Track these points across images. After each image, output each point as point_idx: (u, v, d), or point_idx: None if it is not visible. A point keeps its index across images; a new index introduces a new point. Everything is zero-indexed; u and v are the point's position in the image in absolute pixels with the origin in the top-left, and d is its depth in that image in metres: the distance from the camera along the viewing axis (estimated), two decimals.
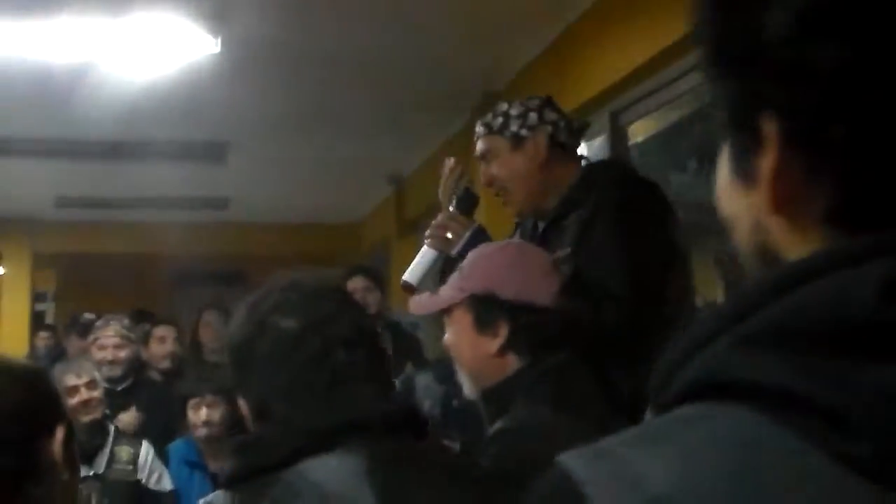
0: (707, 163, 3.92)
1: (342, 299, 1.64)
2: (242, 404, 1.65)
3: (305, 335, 1.55)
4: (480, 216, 2.86)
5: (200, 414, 4.38)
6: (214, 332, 5.97)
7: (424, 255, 2.74)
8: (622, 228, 2.42)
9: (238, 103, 5.86)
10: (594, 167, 2.72)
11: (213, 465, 4.40)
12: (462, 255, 2.56)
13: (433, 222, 2.78)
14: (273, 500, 1.45)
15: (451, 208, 2.79)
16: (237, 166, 7.76)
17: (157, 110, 5.91)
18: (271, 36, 4.73)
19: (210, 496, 1.52)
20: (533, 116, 2.67)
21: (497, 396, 1.95)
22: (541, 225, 2.71)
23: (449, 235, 2.70)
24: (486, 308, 1.97)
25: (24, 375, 1.49)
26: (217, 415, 4.37)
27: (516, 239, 2.10)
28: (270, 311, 1.59)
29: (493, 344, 1.95)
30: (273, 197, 9.36)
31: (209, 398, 4.38)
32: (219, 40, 4.57)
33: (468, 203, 2.79)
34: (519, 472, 1.67)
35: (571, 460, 0.62)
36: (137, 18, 4.28)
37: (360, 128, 6.79)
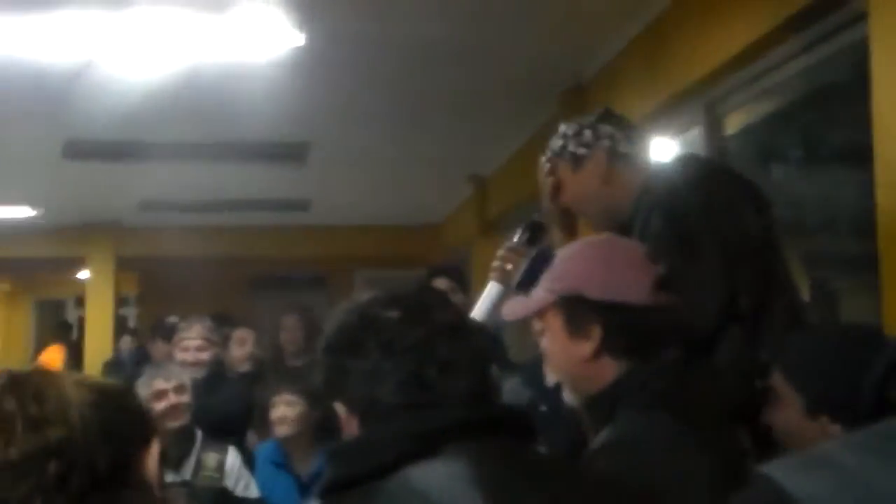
0: (811, 153, 3.74)
1: (440, 295, 1.63)
2: (340, 409, 1.55)
3: (410, 323, 1.49)
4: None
5: (278, 411, 4.50)
6: (295, 336, 6.01)
7: (489, 291, 2.79)
8: (673, 223, 2.38)
9: (319, 101, 5.78)
10: (652, 174, 2.66)
11: (298, 468, 4.52)
12: (522, 285, 2.63)
13: (497, 256, 2.82)
14: None
15: (513, 241, 2.84)
16: (317, 167, 7.71)
17: (240, 110, 5.85)
18: (355, 29, 4.63)
19: None
20: (588, 134, 2.67)
21: (601, 404, 1.84)
22: None
23: (509, 267, 2.73)
24: (575, 309, 1.86)
25: (113, 394, 1.46)
26: (293, 412, 4.49)
27: (600, 236, 1.97)
28: (371, 304, 1.54)
29: (587, 347, 1.84)
30: (353, 198, 9.33)
31: (286, 396, 4.51)
32: (304, 34, 4.47)
33: (533, 232, 2.83)
34: (634, 482, 1.60)
35: (782, 472, 0.55)
36: (224, 13, 4.19)
37: (441, 126, 6.72)
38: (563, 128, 2.73)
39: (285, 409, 4.50)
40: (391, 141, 7.04)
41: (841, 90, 3.47)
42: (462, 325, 1.52)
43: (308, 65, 5.03)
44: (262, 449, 4.68)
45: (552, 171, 2.72)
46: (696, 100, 4.17)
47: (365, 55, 5.05)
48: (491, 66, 5.40)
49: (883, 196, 2.66)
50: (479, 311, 2.75)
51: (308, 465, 4.50)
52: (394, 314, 1.49)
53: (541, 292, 1.93)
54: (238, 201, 9.31)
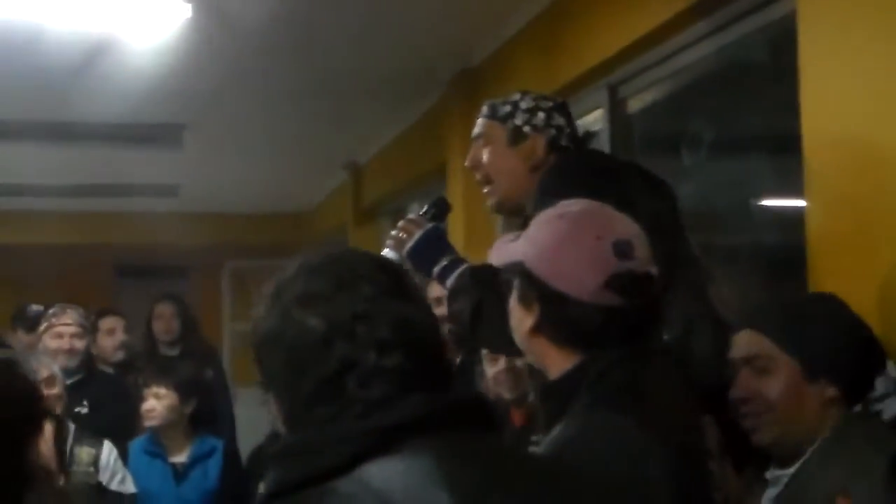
0: (722, 137, 3.73)
1: (386, 285, 1.39)
2: (273, 404, 1.42)
3: (331, 337, 1.33)
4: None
5: (147, 404, 4.53)
6: (170, 326, 5.87)
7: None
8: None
9: (198, 81, 5.57)
10: (553, 167, 2.58)
11: (174, 457, 4.57)
12: (412, 255, 2.59)
13: (398, 224, 2.74)
14: None
15: (415, 214, 2.76)
16: (191, 151, 7.46)
17: (110, 88, 5.58)
18: (238, 6, 4.45)
19: None
20: (541, 116, 2.62)
21: (555, 395, 1.77)
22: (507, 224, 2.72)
23: (402, 235, 2.65)
24: (525, 279, 1.78)
25: None
26: (161, 405, 4.51)
27: (585, 205, 1.85)
28: (295, 302, 1.37)
29: (529, 320, 1.78)
30: (224, 185, 9.13)
31: (155, 389, 4.53)
32: (190, 5, 4.27)
33: (438, 209, 2.76)
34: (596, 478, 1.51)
35: None
36: None
37: (319, 111, 6.57)
38: (517, 97, 2.64)
39: (154, 402, 4.51)
40: (268, 125, 6.89)
41: (756, 72, 3.46)
42: (401, 331, 1.36)
43: (188, 43, 4.83)
44: (136, 441, 4.63)
45: (486, 134, 2.65)
46: (599, 83, 4.11)
47: (247, 35, 4.87)
48: (375, 50, 5.29)
49: (812, 181, 2.63)
50: None
51: (184, 454, 4.57)
52: (317, 324, 1.34)
53: (518, 246, 1.84)
54: (103, 186, 8.98)
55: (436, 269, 2.56)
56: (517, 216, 2.64)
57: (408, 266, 2.66)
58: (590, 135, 2.79)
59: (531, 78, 4.42)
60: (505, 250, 1.88)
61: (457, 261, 2.55)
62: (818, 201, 2.63)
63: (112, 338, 5.56)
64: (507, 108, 2.62)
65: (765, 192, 3.81)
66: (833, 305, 2.12)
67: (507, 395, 3.26)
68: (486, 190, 2.70)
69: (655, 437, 1.62)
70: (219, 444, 4.68)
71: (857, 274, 2.42)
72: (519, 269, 1.79)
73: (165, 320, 5.91)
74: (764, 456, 2.10)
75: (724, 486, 2.09)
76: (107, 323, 5.61)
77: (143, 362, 5.59)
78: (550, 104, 2.65)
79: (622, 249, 1.73)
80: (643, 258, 1.75)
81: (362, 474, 1.25)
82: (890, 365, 2.08)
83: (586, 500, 1.38)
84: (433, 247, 2.61)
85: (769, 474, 2.06)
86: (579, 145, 2.71)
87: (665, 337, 2.14)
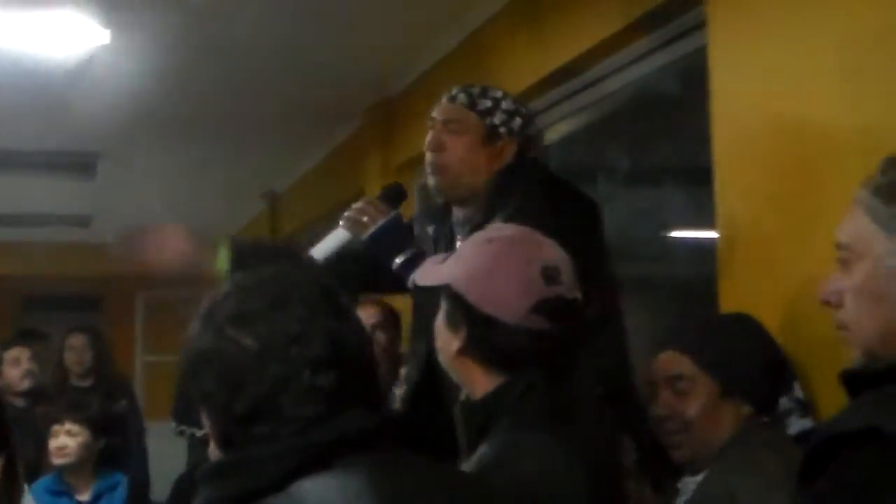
0: (637, 166, 3.79)
1: (319, 305, 1.39)
2: (206, 423, 1.41)
3: (265, 356, 1.33)
4: None
5: (58, 441, 4.33)
6: (82, 357, 5.76)
7: (335, 235, 2.68)
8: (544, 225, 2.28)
9: (113, 110, 5.48)
10: (516, 169, 2.58)
11: (80, 495, 4.41)
12: (372, 240, 2.57)
13: (354, 205, 2.70)
14: None
15: (373, 197, 2.75)
16: (104, 181, 7.35)
17: (19, 114, 5.48)
18: (154, 37, 4.43)
19: None
20: (517, 122, 2.60)
21: (476, 415, 1.79)
22: (457, 222, 2.62)
23: (364, 219, 2.61)
24: (453, 302, 1.81)
25: None
26: (74, 443, 4.34)
27: (515, 231, 1.87)
28: (229, 321, 1.37)
29: (455, 343, 1.81)
30: (139, 215, 8.94)
31: (68, 426, 4.35)
32: (109, 31, 4.22)
33: (394, 194, 2.74)
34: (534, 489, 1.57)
35: None
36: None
37: (236, 141, 6.55)
38: (498, 94, 2.62)
39: (66, 439, 4.33)
40: (184, 154, 6.83)
41: (669, 104, 3.52)
42: (336, 350, 1.35)
43: (103, 69, 4.76)
44: (40, 482, 4.44)
45: (461, 122, 2.59)
46: None
47: (163, 64, 4.84)
48: (293, 80, 5.28)
49: (723, 210, 2.69)
50: (319, 251, 2.65)
51: (89, 490, 4.43)
52: (250, 344, 1.34)
53: (447, 268, 1.86)
54: (10, 215, 8.79)
55: (397, 261, 2.54)
56: (459, 205, 2.62)
57: (361, 247, 2.65)
58: (542, 150, 2.79)
59: None
60: (433, 272, 1.90)
61: (419, 254, 2.52)
62: (728, 231, 2.69)
63: (18, 368, 5.43)
64: (488, 104, 2.58)
65: (679, 223, 3.88)
66: (749, 325, 2.21)
67: None
68: (434, 173, 2.63)
69: (574, 456, 1.66)
70: (122, 478, 4.59)
71: (764, 301, 2.47)
72: (447, 292, 1.82)
73: (77, 352, 5.78)
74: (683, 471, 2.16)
75: (640, 502, 2.13)
76: (12, 353, 5.49)
77: (54, 394, 5.47)
78: (526, 112, 2.65)
79: (550, 275, 1.77)
80: (569, 283, 1.79)
81: (296, 491, 1.25)
82: (796, 385, 2.17)
83: None
84: (396, 236, 2.59)
85: (680, 483, 2.13)
86: (539, 154, 2.69)
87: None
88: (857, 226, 1.43)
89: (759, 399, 2.10)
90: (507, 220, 2.33)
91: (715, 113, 2.72)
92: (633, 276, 3.85)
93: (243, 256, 2.85)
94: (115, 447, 4.97)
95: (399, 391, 3.27)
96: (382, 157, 5.55)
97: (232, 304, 1.38)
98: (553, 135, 4.04)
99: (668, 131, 3.69)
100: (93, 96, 5.19)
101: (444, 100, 2.66)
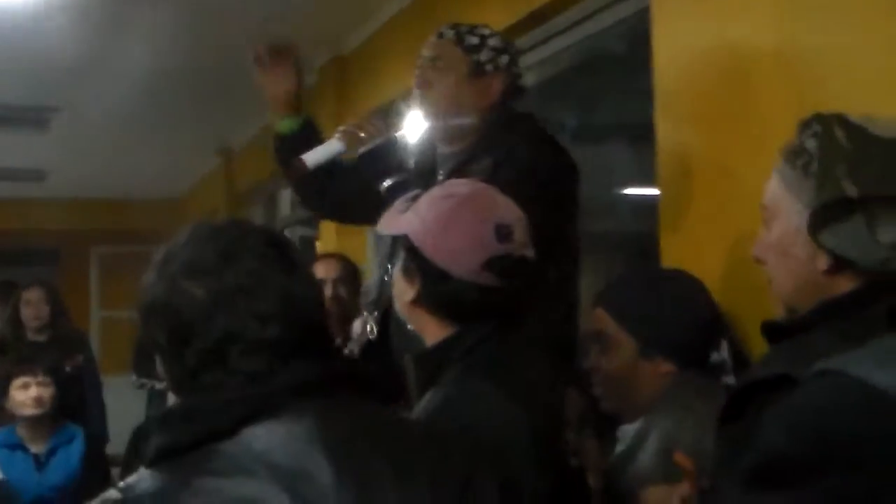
0: (585, 125, 3.86)
1: (270, 258, 1.42)
2: (161, 370, 1.46)
3: (214, 308, 1.37)
4: None
5: (31, 392, 4.40)
6: (39, 311, 5.74)
7: (329, 145, 2.64)
8: (527, 178, 2.32)
9: (68, 62, 5.46)
10: (512, 117, 2.60)
11: (35, 448, 4.49)
12: (365, 158, 2.59)
13: (352, 120, 2.69)
14: (212, 474, 1.28)
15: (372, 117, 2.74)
16: (59, 135, 7.30)
17: None
18: None
19: (132, 477, 1.31)
20: (505, 59, 2.58)
21: (427, 363, 1.87)
22: (441, 158, 2.60)
23: (362, 134, 2.60)
24: (410, 253, 1.87)
25: None
26: (48, 394, 4.43)
27: (472, 188, 1.92)
28: (181, 271, 1.40)
29: (410, 292, 1.87)
30: (93, 170, 8.92)
31: (41, 377, 4.43)
32: None
33: (394, 117, 2.71)
34: (477, 433, 1.62)
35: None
36: None
37: (191, 96, 6.51)
38: (486, 31, 2.60)
39: (41, 390, 4.42)
40: (138, 109, 6.73)
41: (616, 61, 3.58)
42: (284, 305, 1.39)
43: (53, 21, 4.74)
44: None
45: (446, 58, 2.57)
46: None
47: (118, 17, 4.82)
48: (247, 36, 5.25)
49: (664, 166, 2.77)
50: (310, 158, 2.61)
51: (45, 443, 4.50)
52: (200, 294, 1.37)
53: (406, 219, 1.90)
54: None
55: (386, 183, 2.57)
56: (450, 150, 2.59)
57: (354, 161, 2.66)
58: (522, 89, 2.75)
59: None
60: (395, 221, 1.95)
61: (408, 181, 2.54)
62: (669, 187, 2.77)
63: None
64: (475, 40, 2.56)
65: (626, 180, 3.95)
66: (677, 283, 2.23)
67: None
68: (422, 108, 2.60)
69: (518, 405, 1.73)
70: (79, 431, 4.65)
71: (705, 254, 2.56)
72: (405, 242, 1.88)
73: (34, 306, 5.77)
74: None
75: (582, 452, 2.20)
76: None
77: (10, 348, 5.49)
78: (515, 49, 2.64)
79: (503, 233, 1.82)
80: (521, 242, 1.85)
81: (245, 437, 1.30)
82: (724, 344, 2.19)
83: (455, 460, 1.44)
84: (390, 157, 2.63)
85: (619, 432, 2.18)
86: (518, 97, 2.68)
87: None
88: (772, 187, 1.53)
89: (682, 357, 2.11)
90: (494, 165, 2.37)
91: (656, 68, 2.79)
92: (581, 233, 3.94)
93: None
94: (72, 401, 5.03)
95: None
96: (337, 114, 5.57)
97: (185, 254, 1.41)
98: None
99: (615, 89, 3.75)
100: (46, 49, 5.17)
101: (432, 37, 2.64)
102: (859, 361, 1.20)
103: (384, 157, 2.63)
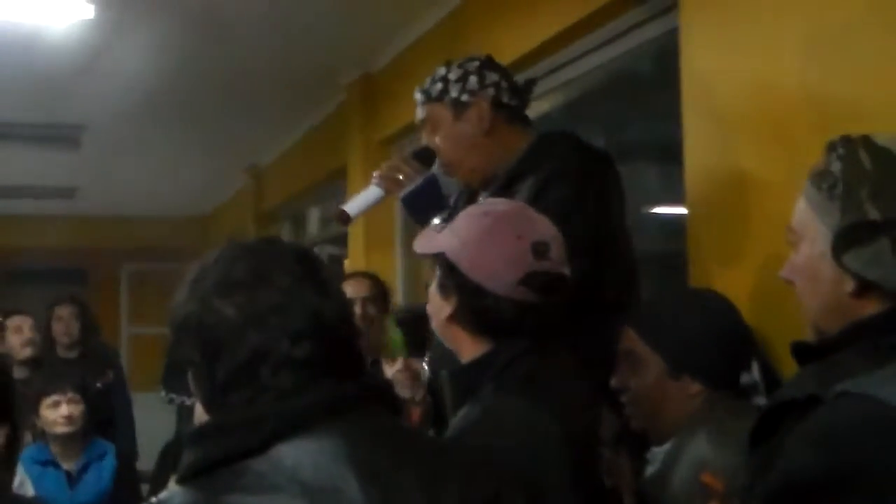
0: (612, 144, 3.86)
1: (301, 277, 1.44)
2: (192, 387, 1.47)
3: (246, 326, 1.39)
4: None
5: (61, 410, 4.36)
6: (70, 328, 5.77)
7: (369, 193, 2.67)
8: (581, 193, 2.36)
9: (100, 81, 5.52)
10: (547, 136, 2.61)
11: (67, 464, 4.44)
12: (409, 200, 2.62)
13: (386, 163, 2.71)
14: (243, 491, 1.29)
15: (406, 155, 2.74)
16: (89, 153, 7.37)
17: (4, 87, 5.54)
18: (141, 7, 4.45)
19: (163, 494, 1.33)
20: (473, 80, 2.58)
21: (463, 379, 1.90)
22: (483, 195, 2.58)
23: (400, 177, 2.63)
24: (446, 271, 1.90)
25: None
26: (78, 411, 4.39)
27: (510, 206, 1.94)
28: (213, 289, 1.42)
29: (447, 309, 1.90)
30: (123, 187, 8.99)
31: (70, 394, 4.39)
32: (93, 6, 4.26)
33: (426, 155, 2.69)
34: (512, 449, 1.64)
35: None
36: None
37: (219, 114, 6.57)
38: (442, 71, 2.61)
39: (71, 408, 4.37)
40: (168, 127, 6.84)
41: (645, 82, 3.59)
42: (315, 323, 1.41)
43: (88, 42, 4.80)
44: (28, 451, 4.44)
45: (430, 118, 2.61)
46: None
47: (148, 38, 4.87)
48: (277, 54, 5.32)
49: (692, 186, 2.78)
50: (352, 207, 2.64)
51: (76, 459, 4.47)
52: (232, 313, 1.39)
53: (443, 238, 1.93)
54: None
55: (436, 221, 2.55)
56: (487, 188, 2.58)
57: (400, 203, 2.68)
58: (531, 83, 2.76)
59: None
60: (431, 240, 1.98)
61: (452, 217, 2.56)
62: (697, 207, 2.78)
63: (20, 336, 5.42)
64: (440, 86, 2.58)
65: (653, 200, 3.95)
66: (707, 303, 2.23)
67: (405, 394, 3.33)
68: (449, 172, 2.64)
69: (553, 422, 1.75)
70: (110, 447, 4.65)
71: (732, 276, 2.56)
72: (441, 260, 1.90)
73: (65, 322, 5.80)
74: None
75: (616, 471, 2.21)
76: (15, 322, 5.49)
77: (41, 365, 5.51)
78: (477, 63, 2.62)
79: (540, 250, 1.85)
80: (558, 259, 1.87)
81: (275, 454, 1.31)
82: (754, 365, 2.17)
83: (483, 475, 1.45)
84: (432, 196, 2.63)
85: (649, 454, 2.18)
86: (522, 97, 2.66)
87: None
88: (800, 210, 1.55)
89: (710, 377, 2.11)
90: (540, 184, 2.37)
91: (684, 88, 2.80)
92: None
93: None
94: (103, 417, 5.06)
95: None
96: (365, 133, 5.61)
97: (217, 272, 1.43)
98: (530, 112, 4.12)
99: (643, 109, 3.76)
100: (78, 70, 5.23)
101: (416, 107, 2.67)
102: (880, 383, 1.22)
103: (427, 195, 2.63)
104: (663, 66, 3.08)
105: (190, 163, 8.10)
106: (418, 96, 2.63)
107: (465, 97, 2.55)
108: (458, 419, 1.81)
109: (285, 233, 8.42)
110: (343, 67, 5.51)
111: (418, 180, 2.62)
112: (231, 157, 8.07)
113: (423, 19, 4.67)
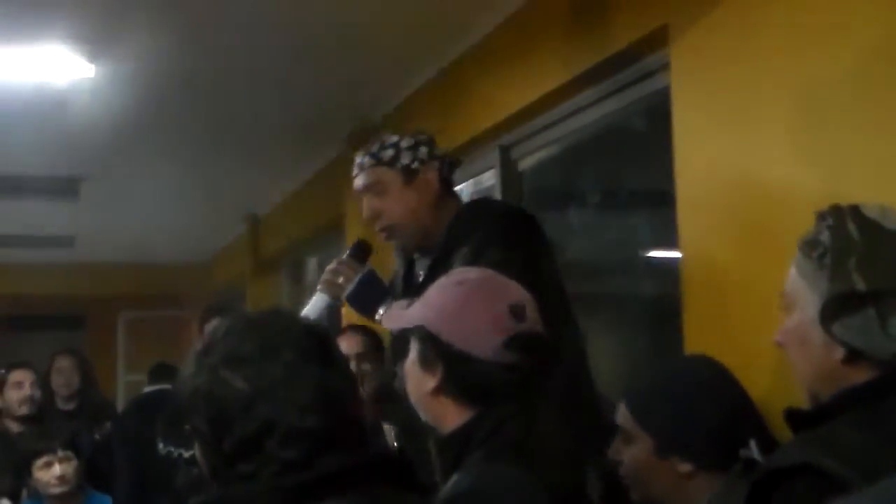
0: (608, 196, 3.90)
1: (308, 350, 1.47)
2: (198, 456, 1.50)
3: (255, 399, 1.41)
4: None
5: (54, 471, 4.29)
6: (70, 380, 5.75)
7: (317, 301, 2.76)
8: (512, 255, 2.43)
9: (96, 134, 5.55)
10: (472, 205, 2.78)
11: None
12: (353, 298, 2.70)
13: (326, 268, 2.81)
14: None
15: (343, 257, 2.82)
16: (87, 202, 7.40)
17: (5, 140, 5.58)
18: (137, 62, 4.50)
19: None
20: (424, 150, 2.72)
21: (449, 448, 1.88)
22: (419, 265, 2.74)
23: (340, 280, 2.72)
24: (427, 343, 1.89)
25: None
26: (72, 469, 4.32)
27: (482, 273, 1.97)
28: (222, 362, 1.46)
29: (431, 382, 1.88)
30: (120, 235, 8.99)
31: (62, 453, 4.32)
32: (94, 66, 4.31)
33: (360, 250, 2.82)
34: None
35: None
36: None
37: (217, 163, 6.60)
38: (393, 139, 2.73)
39: (64, 467, 4.31)
40: (165, 176, 6.84)
41: (639, 136, 3.64)
42: (322, 397, 1.44)
43: (86, 97, 4.84)
44: None
45: (378, 182, 2.71)
46: (492, 143, 4.25)
47: (145, 91, 4.90)
48: (275, 104, 5.34)
49: (685, 235, 2.82)
50: (310, 314, 2.72)
51: None
52: (241, 386, 1.42)
53: (415, 311, 1.94)
54: None
55: (380, 312, 2.62)
56: (426, 255, 2.71)
57: (345, 307, 2.80)
58: (458, 162, 2.92)
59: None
60: (402, 316, 1.99)
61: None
62: (690, 252, 2.81)
63: (20, 391, 5.37)
64: (391, 151, 2.70)
65: (646, 245, 3.99)
66: (699, 378, 2.18)
67: None
68: (388, 236, 2.77)
69: (543, 488, 1.75)
70: (107, 499, 4.62)
71: (726, 320, 2.59)
72: (421, 333, 1.90)
73: (65, 374, 5.77)
74: None
75: None
76: (16, 376, 5.41)
77: (39, 418, 5.46)
78: (425, 137, 2.76)
79: (517, 312, 1.88)
80: (534, 320, 1.90)
81: None
82: (752, 444, 2.03)
83: None
84: (372, 290, 2.70)
85: None
86: (453, 172, 2.82)
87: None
88: (791, 275, 1.58)
89: (701, 458, 2.06)
90: (473, 252, 2.47)
91: (677, 156, 2.84)
92: (604, 295, 3.98)
93: None
94: (102, 469, 5.03)
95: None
96: None
97: (226, 345, 1.47)
98: (528, 164, 4.17)
99: (636, 161, 3.81)
100: (76, 122, 5.25)
101: (355, 170, 2.78)
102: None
103: (369, 289, 2.71)
104: (656, 121, 3.13)
105: (188, 211, 8.10)
106: (366, 160, 2.74)
107: (415, 164, 2.69)
108: (448, 487, 1.80)
109: (283, 281, 8.45)
110: (341, 116, 5.53)
111: (356, 279, 2.71)
112: (229, 205, 8.08)
113: (422, 72, 4.70)
